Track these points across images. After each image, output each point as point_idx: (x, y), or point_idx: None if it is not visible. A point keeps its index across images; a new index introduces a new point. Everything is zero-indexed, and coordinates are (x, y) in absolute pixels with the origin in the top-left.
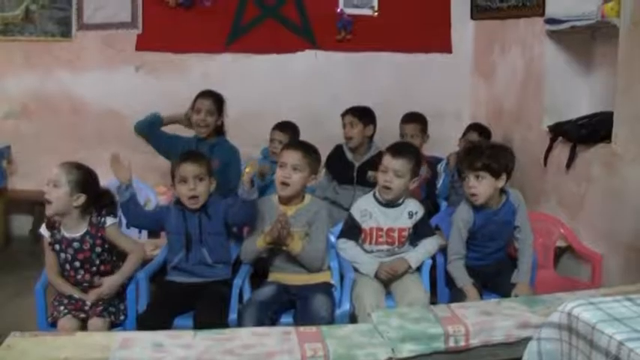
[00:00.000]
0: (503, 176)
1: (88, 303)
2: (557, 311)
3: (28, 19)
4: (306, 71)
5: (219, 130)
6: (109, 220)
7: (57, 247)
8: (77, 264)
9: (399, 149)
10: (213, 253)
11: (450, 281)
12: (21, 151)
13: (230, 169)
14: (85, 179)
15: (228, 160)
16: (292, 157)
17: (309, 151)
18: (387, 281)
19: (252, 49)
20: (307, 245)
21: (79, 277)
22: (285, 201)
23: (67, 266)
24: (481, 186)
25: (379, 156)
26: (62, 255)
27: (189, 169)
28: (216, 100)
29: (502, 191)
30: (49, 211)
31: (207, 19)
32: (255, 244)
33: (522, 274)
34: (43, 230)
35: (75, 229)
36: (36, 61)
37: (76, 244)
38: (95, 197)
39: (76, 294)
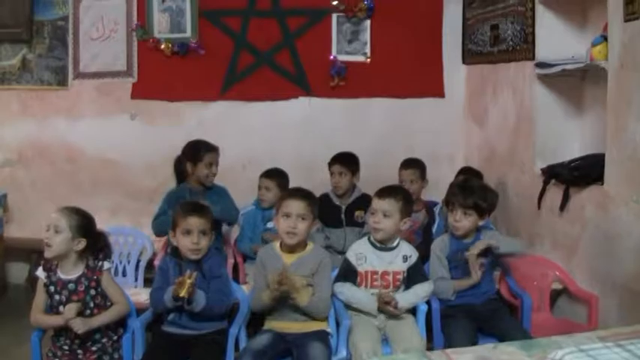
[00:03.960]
0: (486, 216)
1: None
2: (547, 359)
3: (24, 68)
4: (300, 118)
5: None
6: (106, 264)
7: (52, 288)
8: None
9: (385, 190)
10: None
11: (445, 325)
12: (17, 199)
13: (227, 205)
14: (84, 224)
15: (224, 199)
16: (298, 206)
17: (311, 198)
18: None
19: (246, 97)
20: (313, 296)
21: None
22: (289, 249)
23: (61, 308)
24: (466, 221)
25: (364, 198)
26: (57, 297)
27: (193, 222)
28: (218, 152)
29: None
30: (49, 254)
31: (202, 67)
32: (262, 297)
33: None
34: (40, 272)
35: (72, 272)
36: (32, 109)
37: (71, 286)
38: (93, 241)
39: (60, 321)
